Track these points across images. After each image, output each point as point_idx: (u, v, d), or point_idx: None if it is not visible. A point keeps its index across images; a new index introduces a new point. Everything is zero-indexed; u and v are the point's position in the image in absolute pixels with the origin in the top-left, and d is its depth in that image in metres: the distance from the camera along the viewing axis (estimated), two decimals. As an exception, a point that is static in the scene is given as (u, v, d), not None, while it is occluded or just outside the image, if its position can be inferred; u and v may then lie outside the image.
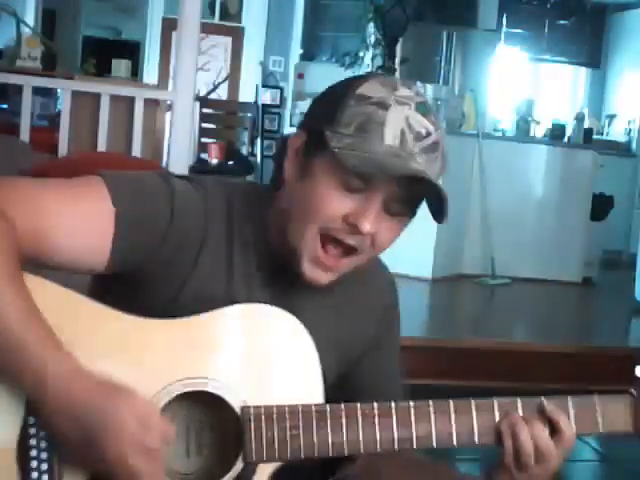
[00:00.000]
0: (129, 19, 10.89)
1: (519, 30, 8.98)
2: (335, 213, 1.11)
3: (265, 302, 1.14)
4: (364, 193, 1.11)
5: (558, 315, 5.43)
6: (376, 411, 1.11)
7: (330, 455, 1.11)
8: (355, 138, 1.09)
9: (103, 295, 1.12)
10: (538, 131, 7.15)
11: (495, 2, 8.12)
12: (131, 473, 1.01)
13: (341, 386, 1.25)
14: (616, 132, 8.96)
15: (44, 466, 1.06)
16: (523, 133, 6.66)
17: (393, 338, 1.36)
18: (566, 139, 6.68)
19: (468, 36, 7.87)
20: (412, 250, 5.69)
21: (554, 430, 1.13)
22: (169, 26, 8.20)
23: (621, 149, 8.59)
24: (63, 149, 3.98)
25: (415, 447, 1.12)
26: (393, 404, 1.12)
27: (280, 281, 1.20)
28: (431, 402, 1.13)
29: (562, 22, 9.21)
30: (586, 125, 7.03)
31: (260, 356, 1.12)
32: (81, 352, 1.05)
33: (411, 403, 1.13)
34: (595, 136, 7.49)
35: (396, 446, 1.12)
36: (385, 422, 1.11)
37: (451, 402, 1.13)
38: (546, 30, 9.22)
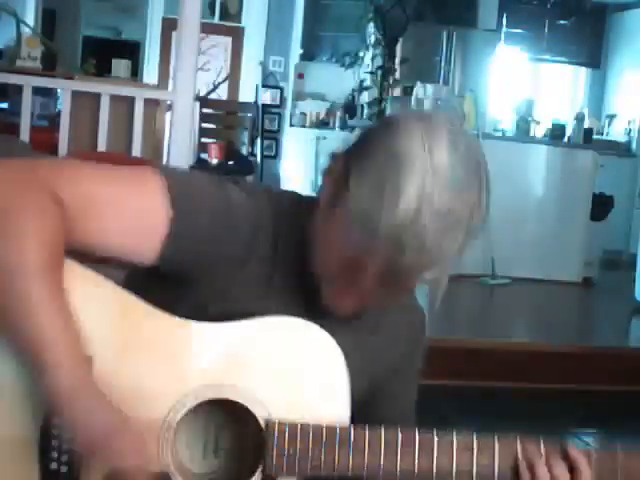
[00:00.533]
0: (129, 19, 10.88)
1: (519, 30, 8.98)
2: (340, 262, 1.07)
3: (297, 316, 1.13)
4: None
5: (558, 315, 5.43)
6: (399, 439, 1.11)
7: (350, 476, 1.11)
8: (369, 207, 1.01)
9: (135, 289, 1.11)
10: (538, 131, 7.15)
11: (495, 2, 8.13)
12: None
13: (357, 410, 1.24)
14: (616, 132, 8.96)
15: (64, 457, 1.07)
16: (523, 133, 6.66)
17: (414, 371, 1.37)
18: (566, 139, 6.68)
19: (468, 36, 7.87)
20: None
21: (572, 470, 1.14)
22: (169, 26, 8.20)
23: (621, 149, 8.59)
24: (63, 149, 3.98)
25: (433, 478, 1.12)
26: (417, 434, 1.12)
27: (315, 301, 1.16)
28: (455, 435, 1.13)
29: (562, 22, 9.20)
30: (586, 125, 7.03)
31: (291, 370, 1.12)
32: (112, 346, 1.06)
33: (435, 435, 1.12)
34: (595, 136, 7.49)
35: (415, 476, 1.12)
36: (407, 451, 1.11)
37: (474, 437, 1.13)
38: (546, 30, 9.21)
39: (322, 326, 1.14)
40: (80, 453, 1.05)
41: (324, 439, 1.09)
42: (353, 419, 1.15)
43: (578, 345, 4.40)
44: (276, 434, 1.09)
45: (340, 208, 1.04)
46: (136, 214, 1.08)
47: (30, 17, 7.75)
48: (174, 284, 1.13)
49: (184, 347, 1.10)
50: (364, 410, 1.23)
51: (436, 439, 1.12)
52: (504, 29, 8.59)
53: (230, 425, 1.15)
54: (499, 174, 5.97)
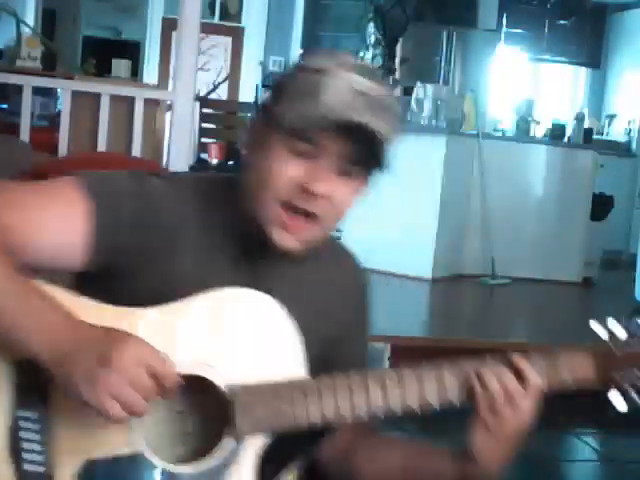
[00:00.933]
0: (129, 19, 10.89)
1: (519, 30, 8.98)
2: (287, 179, 1.13)
3: (243, 283, 1.15)
4: (314, 158, 1.13)
5: (558, 315, 5.42)
6: (358, 381, 1.13)
7: (319, 425, 1.12)
8: (299, 105, 1.11)
9: (87, 293, 1.13)
10: (538, 131, 7.15)
11: (495, 2, 8.13)
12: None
13: (314, 369, 1.25)
14: (616, 132, 8.96)
15: (38, 457, 1.07)
16: (523, 133, 6.66)
17: (366, 323, 1.37)
18: (566, 139, 6.68)
19: (468, 36, 7.87)
20: (412, 250, 5.71)
21: (520, 377, 1.17)
22: (169, 26, 8.21)
23: (621, 149, 8.59)
24: (63, 149, 3.99)
25: (400, 411, 1.14)
26: (372, 373, 1.15)
27: (255, 262, 1.21)
28: (406, 369, 1.16)
29: (562, 22, 9.21)
30: (586, 125, 7.03)
31: (241, 337, 1.13)
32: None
33: (389, 371, 1.15)
34: (595, 136, 7.49)
35: (386, 411, 1.14)
36: (365, 391, 1.13)
37: (426, 367, 1.16)
38: (546, 30, 9.21)
39: (265, 284, 1.17)
40: (103, 397, 1.01)
41: (287, 393, 1.11)
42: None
43: (578, 345, 4.40)
44: (239, 396, 1.10)
45: (269, 132, 1.15)
46: (57, 223, 1.12)
47: (30, 17, 7.76)
48: (118, 278, 1.15)
49: (133, 333, 1.10)
50: (319, 369, 1.23)
51: (394, 373, 1.15)
52: (504, 29, 8.59)
53: (191, 407, 1.16)
54: (499, 174, 5.96)
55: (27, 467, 1.07)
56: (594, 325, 1.26)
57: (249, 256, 1.21)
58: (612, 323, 1.27)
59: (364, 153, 1.13)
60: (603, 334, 1.25)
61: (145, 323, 1.11)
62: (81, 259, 1.13)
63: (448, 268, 5.83)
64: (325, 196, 1.13)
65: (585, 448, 3.55)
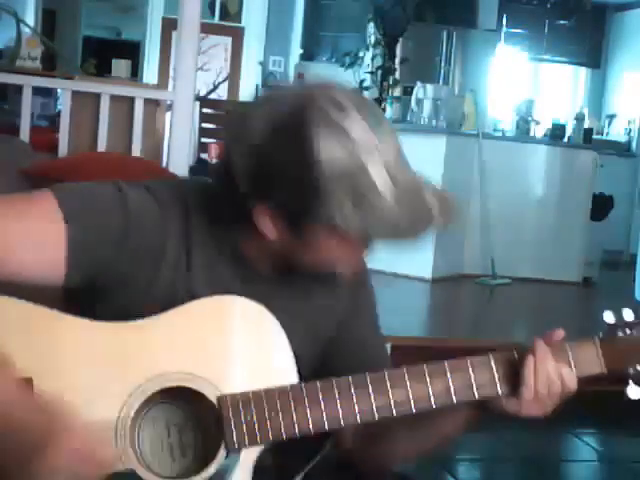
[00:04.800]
0: (129, 19, 10.88)
1: (519, 30, 8.98)
2: (323, 260, 1.14)
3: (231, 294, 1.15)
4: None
5: (558, 315, 5.42)
6: (351, 383, 1.13)
7: (312, 432, 1.11)
8: (358, 213, 1.06)
9: (75, 306, 1.12)
10: (538, 131, 7.15)
11: (495, 2, 8.13)
12: None
13: (323, 366, 1.25)
14: (616, 132, 8.96)
15: None
16: (523, 133, 6.66)
17: (365, 304, 1.33)
18: (566, 139, 6.68)
19: (468, 36, 7.87)
20: (412, 250, 5.70)
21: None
22: (169, 26, 8.21)
23: (621, 149, 8.59)
24: (63, 149, 3.98)
25: (396, 413, 1.13)
26: (367, 375, 1.14)
27: (245, 272, 1.19)
28: (426, 366, 1.16)
29: (562, 22, 9.20)
30: (586, 125, 7.03)
31: (229, 346, 1.13)
32: (49, 364, 1.06)
33: (385, 372, 1.14)
34: (595, 136, 7.49)
35: (376, 415, 1.13)
36: (361, 392, 1.12)
37: (446, 363, 1.18)
38: (546, 30, 9.21)
39: (255, 292, 1.15)
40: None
41: (278, 400, 1.10)
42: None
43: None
44: (230, 407, 1.09)
45: (317, 228, 1.09)
46: (36, 241, 1.09)
47: (30, 17, 7.75)
48: (102, 295, 1.14)
49: (119, 348, 1.10)
50: (328, 365, 1.24)
51: (387, 374, 1.14)
52: (504, 29, 8.60)
53: (188, 419, 1.15)
54: (499, 174, 5.96)
55: None
56: (607, 316, 1.23)
57: (237, 265, 1.19)
58: (627, 313, 1.23)
59: None
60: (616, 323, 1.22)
61: (129, 337, 1.10)
62: (61, 275, 1.11)
63: (448, 268, 5.83)
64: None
65: (585, 448, 3.55)
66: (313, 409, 1.11)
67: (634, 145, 8.66)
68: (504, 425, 1.25)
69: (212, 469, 1.09)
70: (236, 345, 1.13)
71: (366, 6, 7.40)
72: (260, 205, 1.10)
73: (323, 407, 1.11)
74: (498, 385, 1.17)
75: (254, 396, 1.10)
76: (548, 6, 9.00)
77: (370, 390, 1.13)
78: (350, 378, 1.13)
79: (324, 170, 1.04)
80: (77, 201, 1.12)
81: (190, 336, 1.11)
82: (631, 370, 1.20)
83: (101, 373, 1.08)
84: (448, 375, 1.16)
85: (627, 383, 1.21)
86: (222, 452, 1.10)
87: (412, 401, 1.14)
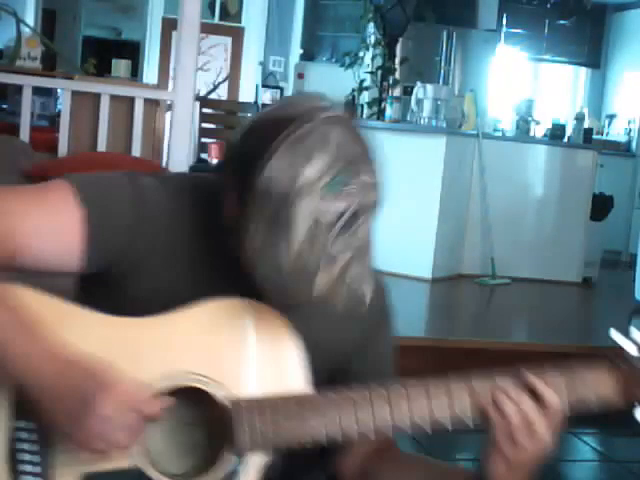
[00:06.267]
0: (129, 19, 10.89)
1: (519, 30, 8.98)
2: None
3: (243, 293, 1.14)
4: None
5: (558, 315, 5.42)
6: (368, 397, 1.10)
7: (325, 443, 1.10)
8: (266, 238, 1.02)
9: (86, 297, 1.13)
10: (538, 131, 7.15)
11: (495, 2, 8.13)
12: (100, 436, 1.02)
13: (333, 379, 1.23)
14: (616, 132, 8.96)
15: (37, 469, 1.06)
16: (523, 133, 6.65)
17: (382, 341, 1.31)
18: (566, 139, 6.68)
19: (468, 36, 7.87)
20: (412, 250, 5.71)
21: (537, 399, 1.10)
22: (169, 26, 8.21)
23: (621, 149, 8.59)
24: (63, 149, 3.99)
25: (408, 430, 1.10)
26: (384, 389, 1.10)
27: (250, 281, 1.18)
28: (423, 383, 1.11)
29: (562, 22, 9.20)
30: (586, 125, 7.03)
31: (245, 351, 1.12)
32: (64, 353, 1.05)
33: (402, 388, 1.10)
34: (595, 136, 7.49)
35: (389, 431, 1.10)
36: (376, 408, 1.09)
37: (429, 385, 1.11)
38: (546, 30, 9.22)
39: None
40: (73, 437, 1.03)
41: (293, 409, 1.09)
42: None
43: (578, 345, 4.40)
44: (243, 411, 1.08)
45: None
46: (52, 229, 1.09)
47: (30, 17, 7.76)
48: (112, 285, 1.14)
49: (132, 345, 1.09)
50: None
51: (405, 391, 1.10)
52: (504, 29, 8.60)
53: (199, 418, 1.15)
54: (499, 174, 5.95)
55: (25, 478, 1.06)
56: (615, 335, 1.16)
57: (240, 276, 1.17)
58: (636, 334, 1.16)
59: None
60: (630, 348, 1.15)
61: (143, 334, 1.10)
62: (78, 263, 1.11)
63: (448, 268, 5.83)
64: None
65: (585, 448, 3.55)
66: (328, 420, 1.09)
67: (634, 145, 8.66)
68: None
69: (220, 472, 1.09)
70: (252, 350, 1.12)
71: (366, 6, 7.39)
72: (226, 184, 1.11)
73: (339, 419, 1.09)
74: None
75: (269, 402, 1.09)
76: (548, 6, 9.00)
77: (389, 404, 1.10)
78: (369, 391, 1.10)
79: (262, 181, 1.02)
80: (93, 189, 1.13)
81: (206, 337, 1.11)
82: None
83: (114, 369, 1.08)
84: (454, 396, 1.11)
85: (634, 406, 1.14)
86: (231, 456, 1.09)
87: (429, 420, 1.10)
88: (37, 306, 1.09)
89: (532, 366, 1.14)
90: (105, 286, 1.15)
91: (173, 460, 1.14)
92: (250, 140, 1.08)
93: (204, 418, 1.15)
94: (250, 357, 1.12)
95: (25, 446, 1.06)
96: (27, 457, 1.06)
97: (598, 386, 1.13)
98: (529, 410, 1.09)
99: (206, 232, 1.17)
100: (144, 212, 1.13)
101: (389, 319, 1.31)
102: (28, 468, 1.06)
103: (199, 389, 1.10)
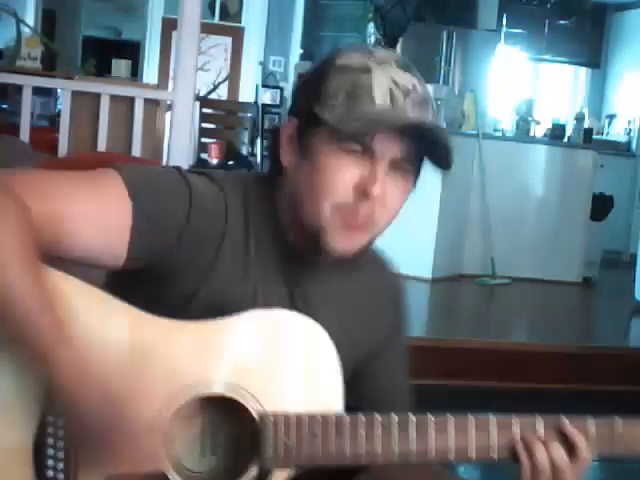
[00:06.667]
0: (129, 19, 10.89)
1: (519, 30, 8.98)
2: (343, 183, 1.10)
3: (282, 296, 1.16)
4: (368, 158, 1.11)
5: (558, 315, 5.43)
6: (396, 423, 1.10)
7: (347, 464, 1.10)
8: (346, 106, 1.10)
9: (118, 292, 1.10)
10: (538, 131, 7.15)
11: (495, 2, 8.12)
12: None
13: (349, 385, 1.23)
14: (616, 132, 8.96)
15: (60, 465, 1.06)
16: (523, 133, 6.66)
17: (402, 341, 1.36)
18: (566, 139, 6.68)
19: (468, 36, 7.87)
20: (412, 250, 5.70)
21: (571, 450, 1.11)
22: (169, 26, 8.20)
23: (621, 149, 8.59)
24: (63, 149, 3.98)
25: (432, 461, 1.12)
26: (413, 417, 1.11)
27: (296, 272, 1.19)
28: (450, 416, 1.12)
29: (562, 22, 9.20)
30: (586, 125, 7.03)
31: (280, 363, 1.12)
32: (98, 349, 1.05)
33: (431, 417, 1.11)
34: (595, 136, 7.49)
35: (414, 459, 1.11)
36: (403, 435, 1.10)
37: (471, 417, 1.12)
38: (546, 30, 9.21)
39: (305, 296, 1.17)
40: (79, 445, 1.04)
41: (319, 428, 1.09)
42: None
43: (578, 345, 4.40)
44: (270, 426, 1.08)
45: (316, 138, 1.12)
46: (101, 219, 1.08)
47: (30, 17, 7.75)
48: (154, 281, 1.13)
49: (170, 346, 1.09)
50: (354, 386, 1.22)
51: (433, 420, 1.11)
52: (504, 29, 8.59)
53: (226, 422, 1.15)
54: (499, 174, 5.96)
55: (48, 473, 1.06)
56: None
57: (289, 264, 1.19)
58: None
59: (418, 151, 1.14)
60: None
61: (183, 337, 1.09)
62: (123, 257, 1.09)
63: (448, 268, 5.83)
64: (381, 198, 1.11)
65: (585, 448, 3.54)
66: (353, 442, 1.09)
67: (634, 145, 8.66)
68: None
69: None
70: (286, 363, 1.12)
71: (366, 6, 7.40)
72: (284, 130, 1.17)
73: (363, 442, 1.09)
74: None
75: (297, 419, 1.09)
76: (548, 6, 9.00)
77: (413, 433, 1.10)
78: (395, 418, 1.10)
79: (335, 64, 1.13)
80: (142, 183, 1.11)
81: (241, 347, 1.10)
82: None
83: (149, 369, 1.08)
84: (493, 430, 1.12)
85: None
86: (254, 468, 1.09)
87: (452, 450, 1.11)
88: (79, 295, 1.08)
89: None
90: (148, 282, 1.13)
91: (196, 458, 1.14)
92: (308, 77, 1.18)
93: (230, 425, 1.14)
94: (285, 371, 1.12)
95: (52, 441, 1.06)
96: (52, 452, 1.06)
97: (634, 441, 1.13)
98: (559, 459, 1.11)
99: (259, 227, 1.17)
100: (193, 206, 1.12)
101: (405, 319, 1.37)
102: (52, 463, 1.06)
103: (233, 399, 1.09)
